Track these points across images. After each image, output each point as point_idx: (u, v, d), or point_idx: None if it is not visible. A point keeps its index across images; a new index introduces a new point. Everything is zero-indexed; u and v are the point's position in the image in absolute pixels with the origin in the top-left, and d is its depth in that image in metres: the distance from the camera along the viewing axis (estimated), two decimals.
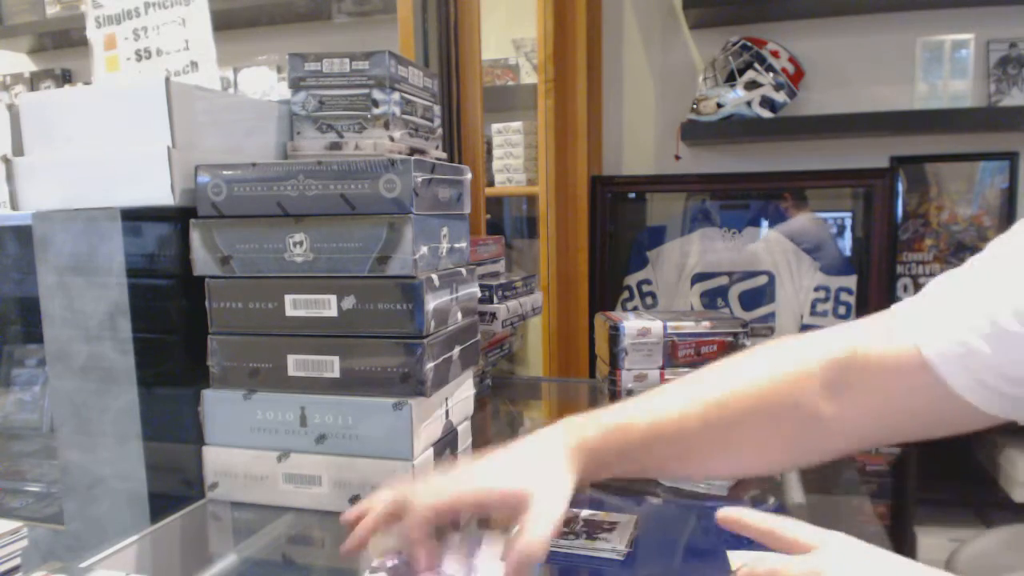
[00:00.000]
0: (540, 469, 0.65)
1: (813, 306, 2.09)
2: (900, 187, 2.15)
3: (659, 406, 0.69)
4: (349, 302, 0.80)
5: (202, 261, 0.84)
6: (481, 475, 0.66)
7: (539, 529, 0.59)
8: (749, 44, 2.07)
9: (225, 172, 0.82)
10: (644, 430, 0.67)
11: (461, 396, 0.94)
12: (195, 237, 0.83)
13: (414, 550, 0.62)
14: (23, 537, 0.68)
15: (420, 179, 0.79)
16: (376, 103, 0.94)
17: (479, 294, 0.99)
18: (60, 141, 0.90)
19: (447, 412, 0.90)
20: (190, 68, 1.02)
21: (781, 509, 0.83)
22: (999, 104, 2.02)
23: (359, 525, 0.67)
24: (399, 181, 0.77)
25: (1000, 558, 1.43)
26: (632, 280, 2.28)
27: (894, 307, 0.66)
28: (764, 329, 2.12)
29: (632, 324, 1.18)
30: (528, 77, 2.38)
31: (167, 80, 0.84)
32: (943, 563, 1.41)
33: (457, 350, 0.89)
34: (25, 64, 2.94)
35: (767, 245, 2.16)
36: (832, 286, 2.09)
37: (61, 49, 2.84)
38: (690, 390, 0.69)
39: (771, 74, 2.05)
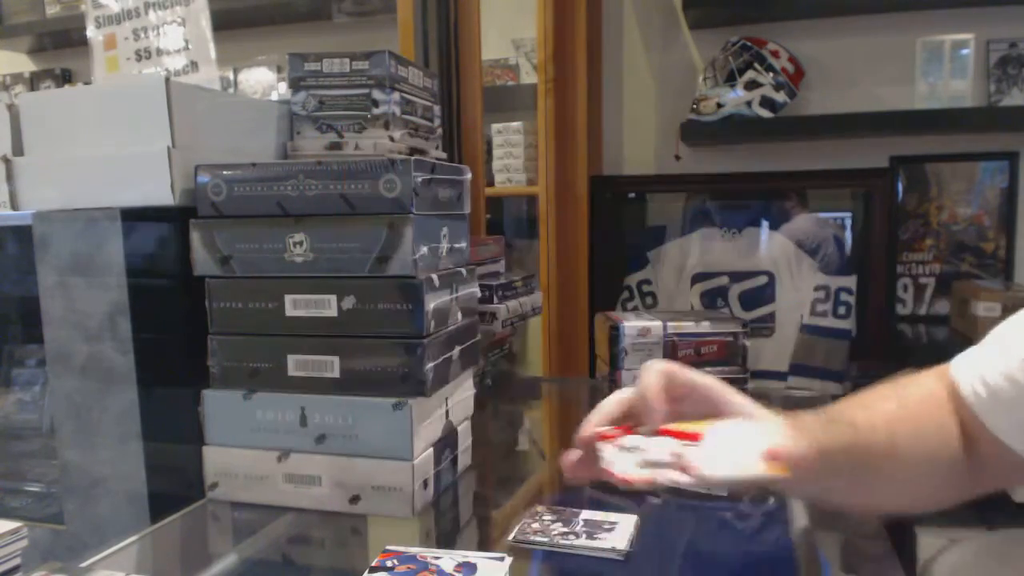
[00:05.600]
0: (770, 416, 0.65)
1: (813, 306, 2.09)
2: (900, 187, 2.15)
3: (855, 416, 0.66)
4: (349, 302, 0.80)
5: (202, 261, 0.84)
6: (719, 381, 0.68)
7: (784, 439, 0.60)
8: (749, 44, 2.07)
9: (225, 172, 0.82)
10: (849, 428, 0.65)
11: (461, 396, 0.94)
12: (195, 237, 0.83)
13: (651, 400, 0.63)
14: (23, 537, 0.68)
15: (420, 179, 0.79)
16: (376, 103, 0.94)
17: (479, 294, 0.99)
18: (60, 141, 0.90)
19: (447, 412, 0.90)
20: (190, 68, 1.02)
21: (781, 509, 0.83)
22: (999, 104, 2.02)
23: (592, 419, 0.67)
24: (399, 181, 0.77)
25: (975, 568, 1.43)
26: (632, 280, 2.28)
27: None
28: (764, 329, 2.12)
29: (632, 324, 1.18)
30: (528, 77, 2.38)
31: (167, 80, 0.84)
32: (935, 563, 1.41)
33: (457, 350, 0.89)
34: (25, 64, 2.94)
35: (768, 245, 2.16)
36: (832, 286, 2.09)
37: (61, 49, 2.84)
38: (867, 404, 0.68)
39: (771, 74, 2.05)
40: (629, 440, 0.61)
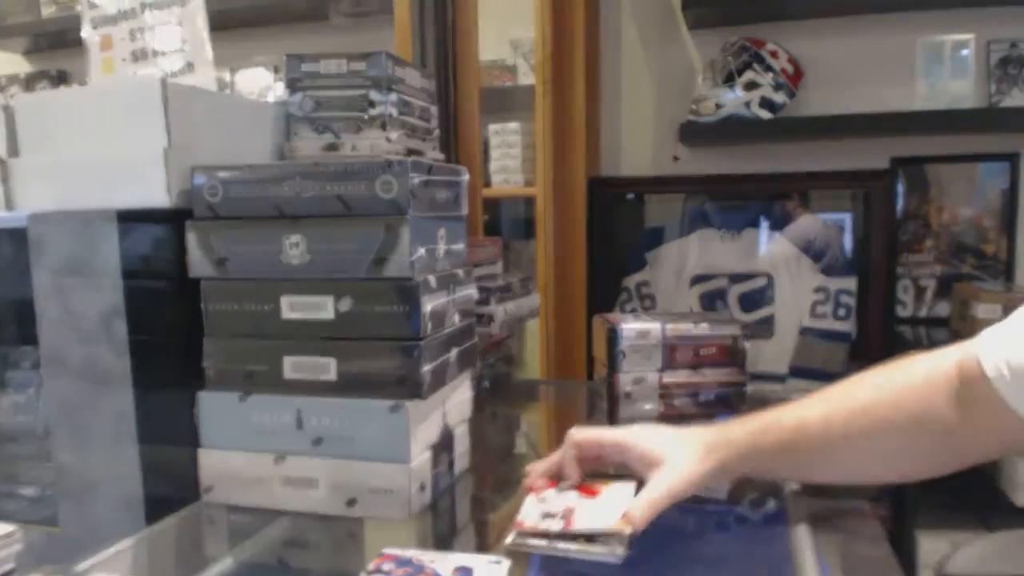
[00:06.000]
0: (679, 447, 0.76)
1: (813, 308, 2.09)
2: (900, 188, 2.15)
3: (803, 412, 0.76)
4: (346, 304, 0.80)
5: (198, 263, 0.83)
6: (629, 430, 0.80)
7: (656, 495, 0.72)
8: (748, 44, 2.07)
9: (221, 173, 0.82)
10: (789, 430, 0.76)
11: (458, 399, 0.94)
12: (191, 239, 0.83)
13: (565, 468, 0.80)
14: (18, 540, 0.68)
15: (417, 180, 0.78)
16: (373, 104, 0.94)
17: (476, 296, 0.98)
18: (56, 142, 0.90)
19: (444, 415, 0.89)
20: (186, 69, 1.02)
21: (781, 511, 0.82)
22: (1000, 105, 2.02)
23: (534, 471, 0.83)
24: (396, 182, 0.77)
25: (996, 563, 1.43)
26: (630, 282, 2.28)
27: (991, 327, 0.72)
28: (763, 331, 2.12)
29: (631, 326, 1.17)
30: (526, 78, 2.38)
31: (163, 81, 0.84)
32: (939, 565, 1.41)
33: (454, 352, 0.89)
34: (20, 65, 2.93)
35: (768, 247, 2.16)
36: (832, 288, 2.08)
37: (56, 50, 2.84)
38: (831, 399, 0.77)
39: (770, 74, 2.05)
40: (546, 493, 0.78)
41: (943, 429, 0.71)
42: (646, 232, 2.33)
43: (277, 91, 2.30)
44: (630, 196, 2.38)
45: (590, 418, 1.21)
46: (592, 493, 0.76)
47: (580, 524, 0.71)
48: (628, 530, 0.70)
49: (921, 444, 0.73)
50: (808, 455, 0.76)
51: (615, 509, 0.72)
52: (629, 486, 0.76)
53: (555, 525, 0.72)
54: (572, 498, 0.76)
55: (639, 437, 0.78)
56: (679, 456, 0.75)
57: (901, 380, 0.74)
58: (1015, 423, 0.67)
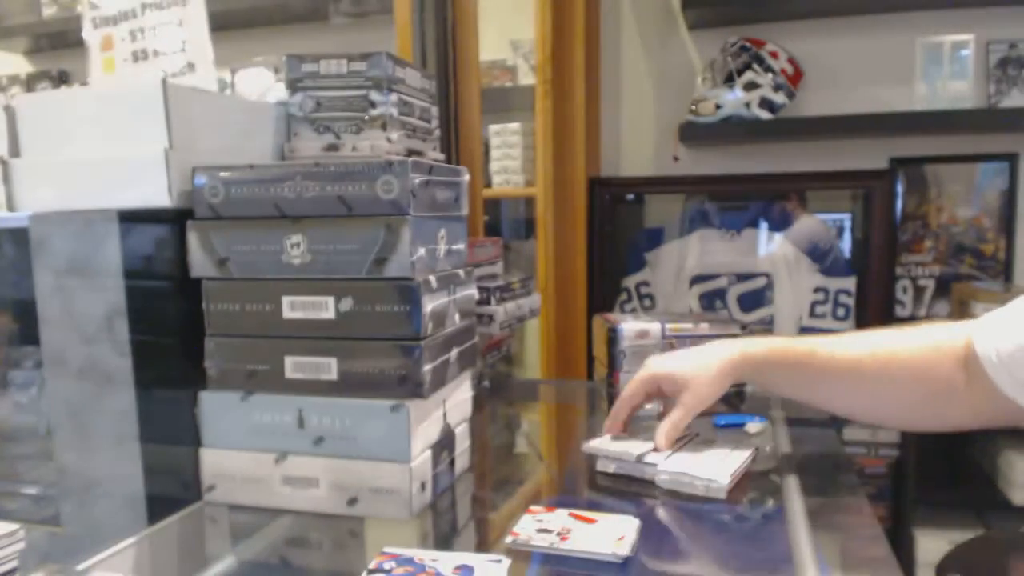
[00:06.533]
0: (698, 370, 0.90)
1: (812, 308, 2.09)
2: (899, 188, 2.15)
3: (822, 341, 0.87)
4: (347, 304, 0.80)
5: (199, 263, 0.83)
6: (668, 362, 0.94)
7: (675, 415, 0.89)
8: (748, 45, 2.07)
9: (222, 174, 0.82)
10: (805, 353, 0.86)
11: (459, 398, 0.94)
12: (192, 239, 0.83)
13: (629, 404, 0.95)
14: (20, 539, 0.68)
15: (418, 181, 0.79)
16: (373, 104, 0.94)
17: (477, 296, 0.99)
18: (57, 142, 0.90)
19: (445, 414, 0.89)
20: (187, 69, 1.02)
21: (780, 512, 0.83)
22: (999, 105, 2.02)
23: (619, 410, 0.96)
24: (396, 183, 0.77)
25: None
26: (630, 282, 2.28)
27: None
28: (763, 331, 2.12)
29: (630, 326, 1.18)
30: (526, 78, 2.38)
31: (164, 82, 0.84)
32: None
33: (455, 352, 0.89)
34: (21, 65, 2.94)
35: (767, 247, 2.16)
36: (831, 288, 2.08)
37: (57, 50, 2.84)
38: (850, 339, 0.87)
39: (770, 75, 2.05)
40: (542, 515, 0.78)
41: (946, 387, 0.79)
42: (646, 232, 2.33)
43: (278, 91, 2.30)
44: (630, 196, 2.38)
45: (590, 418, 1.21)
46: (590, 521, 0.76)
47: (576, 544, 0.72)
48: (624, 552, 0.70)
49: (920, 395, 0.81)
50: (814, 377, 0.87)
51: (612, 535, 0.72)
52: (626, 519, 0.76)
53: (550, 539, 0.72)
54: (569, 522, 0.76)
55: (670, 367, 0.93)
56: (697, 379, 0.89)
57: (912, 339, 0.83)
58: (1002, 400, 0.75)
